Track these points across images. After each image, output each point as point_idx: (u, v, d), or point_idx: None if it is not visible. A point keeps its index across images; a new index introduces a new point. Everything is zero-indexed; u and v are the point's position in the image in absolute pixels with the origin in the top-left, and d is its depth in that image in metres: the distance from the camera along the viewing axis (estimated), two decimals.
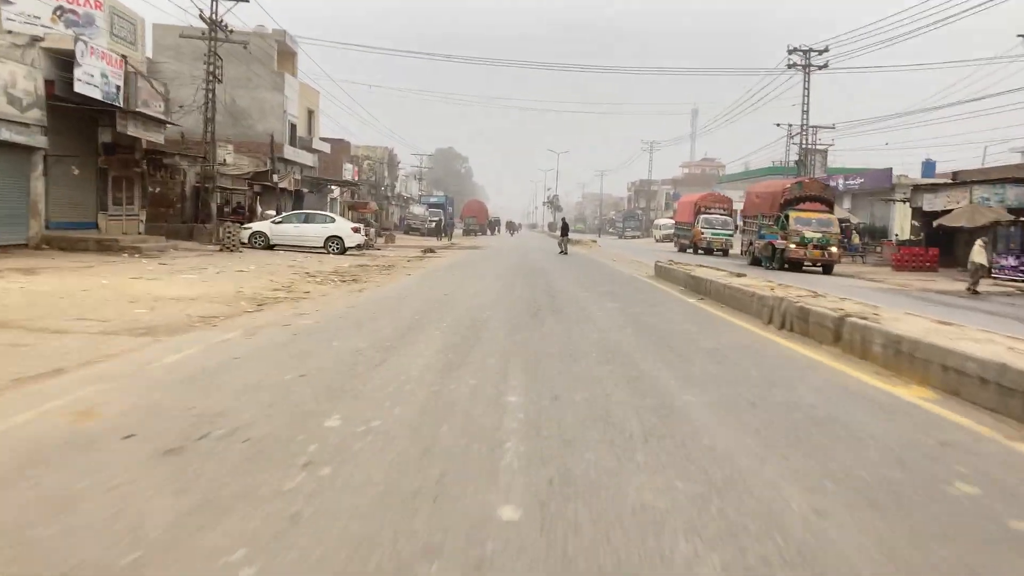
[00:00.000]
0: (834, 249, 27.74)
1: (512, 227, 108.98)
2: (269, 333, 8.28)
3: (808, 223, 27.98)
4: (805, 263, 28.24)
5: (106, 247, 20.56)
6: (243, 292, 12.67)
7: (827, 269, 28.23)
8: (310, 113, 46.10)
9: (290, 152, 38.38)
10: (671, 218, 78.18)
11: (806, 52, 43.63)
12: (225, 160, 32.08)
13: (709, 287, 14.34)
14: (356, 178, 57.59)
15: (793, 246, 27.58)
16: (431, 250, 32.16)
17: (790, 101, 45.52)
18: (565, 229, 37.09)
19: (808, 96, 44.07)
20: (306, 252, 25.82)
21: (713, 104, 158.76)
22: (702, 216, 42.75)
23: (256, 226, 26.38)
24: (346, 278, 16.95)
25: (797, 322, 9.54)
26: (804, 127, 44.40)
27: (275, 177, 29.26)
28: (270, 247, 25.87)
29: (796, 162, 45.02)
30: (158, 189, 28.48)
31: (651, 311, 12.17)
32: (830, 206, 29.17)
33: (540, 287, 16.05)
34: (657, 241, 70.87)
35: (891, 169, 43.13)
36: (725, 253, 42.34)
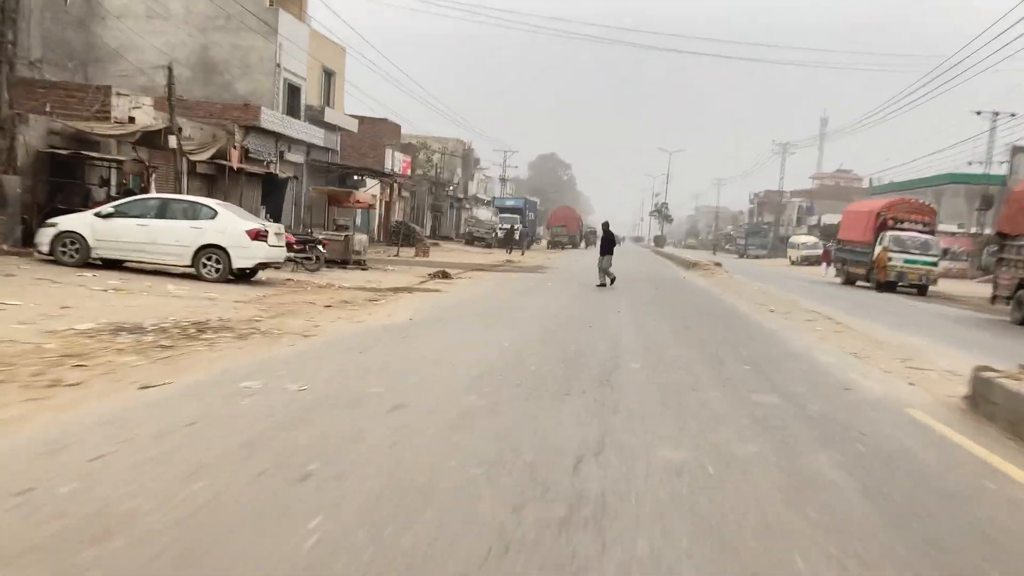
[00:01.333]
0: None
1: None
2: None
3: None
4: None
5: None
6: None
7: None
8: (328, 76, 33.96)
9: (270, 119, 26.12)
10: (808, 234, 62.69)
11: None
12: (132, 117, 20.11)
13: None
14: (407, 172, 45.34)
15: None
16: (445, 274, 19.04)
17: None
18: (608, 242, 20.77)
19: None
20: (161, 274, 13.25)
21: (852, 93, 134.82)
22: (889, 233, 27.72)
23: (67, 223, 13.63)
24: None
25: None
26: None
27: (171, 139, 16.88)
28: (104, 263, 13.42)
29: None
30: None
31: None
32: None
33: None
34: (792, 263, 55.28)
35: None
36: (923, 291, 27.35)
